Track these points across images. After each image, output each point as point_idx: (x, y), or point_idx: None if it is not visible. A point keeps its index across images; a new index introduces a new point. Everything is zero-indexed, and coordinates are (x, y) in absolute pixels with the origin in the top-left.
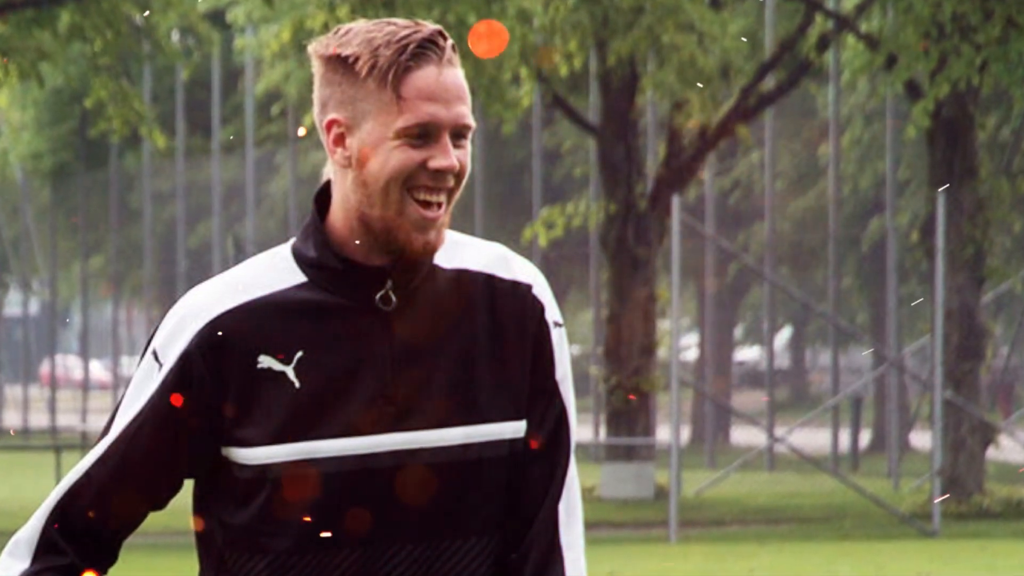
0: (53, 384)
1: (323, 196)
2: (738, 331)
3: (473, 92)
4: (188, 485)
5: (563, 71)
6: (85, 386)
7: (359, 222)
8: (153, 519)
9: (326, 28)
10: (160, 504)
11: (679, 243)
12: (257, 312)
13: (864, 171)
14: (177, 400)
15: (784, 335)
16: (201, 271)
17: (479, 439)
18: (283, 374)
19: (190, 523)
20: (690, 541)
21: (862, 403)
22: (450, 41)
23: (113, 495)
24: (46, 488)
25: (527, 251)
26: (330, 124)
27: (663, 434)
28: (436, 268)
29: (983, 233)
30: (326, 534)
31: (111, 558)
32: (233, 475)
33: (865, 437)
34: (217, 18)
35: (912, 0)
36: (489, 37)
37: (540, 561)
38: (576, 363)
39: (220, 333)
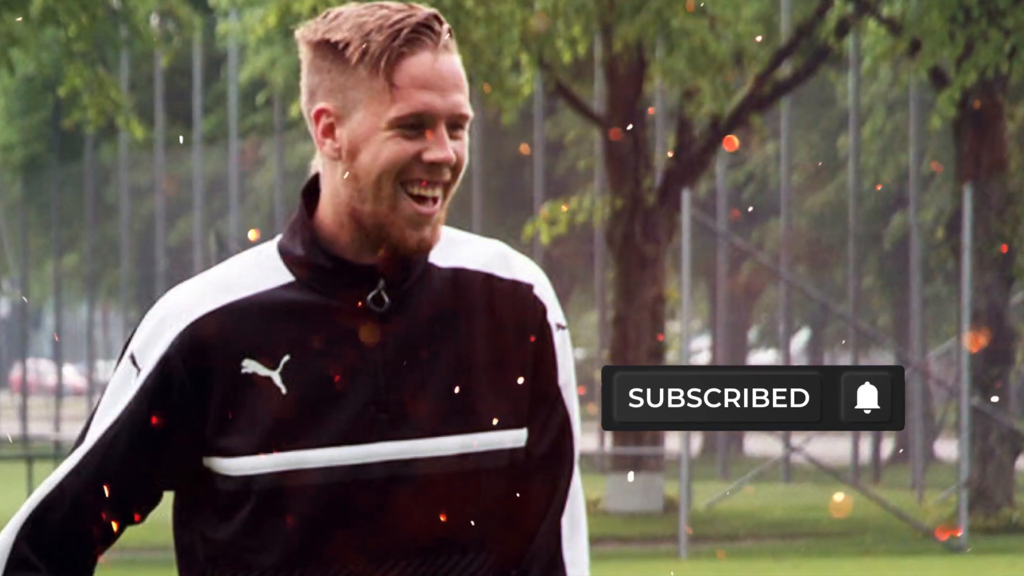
0: (24, 390)
1: (311, 190)
2: (752, 333)
3: (471, 79)
4: (168, 497)
5: (567, 57)
6: (58, 392)
7: (350, 218)
8: (131, 533)
9: (314, 12)
10: (138, 517)
11: (689, 240)
12: (241, 313)
13: (886, 164)
14: (156, 407)
15: (801, 338)
16: (182, 270)
17: (477, 448)
18: (269, 379)
19: (170, 537)
20: (701, 557)
21: None
22: (446, 26)
23: (88, 508)
24: (17, 500)
25: (528, 249)
26: (319, 114)
27: (672, 443)
28: (431, 267)
29: (1012, 230)
30: (314, 550)
31: (86, 574)
32: (216, 487)
33: (887, 446)
34: (198, 2)
35: None
36: None
37: None
38: (580, 367)
39: (202, 336)
